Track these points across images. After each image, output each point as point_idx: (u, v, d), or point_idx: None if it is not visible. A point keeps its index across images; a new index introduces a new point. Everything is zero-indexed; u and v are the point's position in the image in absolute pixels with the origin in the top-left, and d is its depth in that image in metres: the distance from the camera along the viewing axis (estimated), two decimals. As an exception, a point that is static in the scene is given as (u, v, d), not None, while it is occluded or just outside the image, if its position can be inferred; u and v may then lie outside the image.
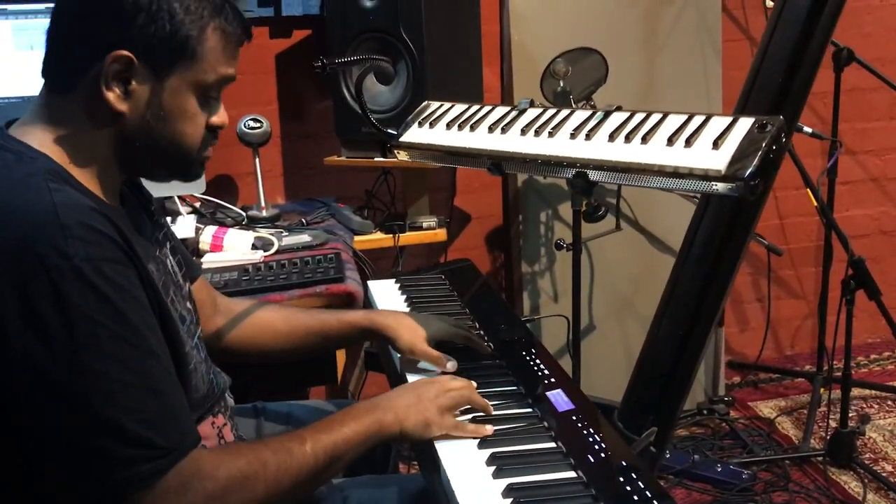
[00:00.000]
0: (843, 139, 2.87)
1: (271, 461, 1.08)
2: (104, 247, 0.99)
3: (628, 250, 2.81)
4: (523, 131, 1.35)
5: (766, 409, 2.97)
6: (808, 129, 2.58)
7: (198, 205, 2.41)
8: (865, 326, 3.24)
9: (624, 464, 1.11)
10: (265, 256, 2.06)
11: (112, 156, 1.10)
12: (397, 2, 2.25)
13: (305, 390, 2.26)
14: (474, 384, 1.31)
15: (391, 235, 2.43)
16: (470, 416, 1.26)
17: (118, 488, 0.97)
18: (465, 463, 1.15)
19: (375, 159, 2.44)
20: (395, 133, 1.54)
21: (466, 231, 2.98)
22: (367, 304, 1.84)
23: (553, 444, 1.19)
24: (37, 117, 1.09)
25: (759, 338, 3.19)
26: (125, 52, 1.04)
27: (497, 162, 1.37)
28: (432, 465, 1.18)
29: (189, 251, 2.04)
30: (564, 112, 1.35)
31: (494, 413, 1.27)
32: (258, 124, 2.37)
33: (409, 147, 1.52)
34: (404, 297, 1.78)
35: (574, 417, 1.24)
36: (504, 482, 1.08)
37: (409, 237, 2.46)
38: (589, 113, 1.32)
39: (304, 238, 2.16)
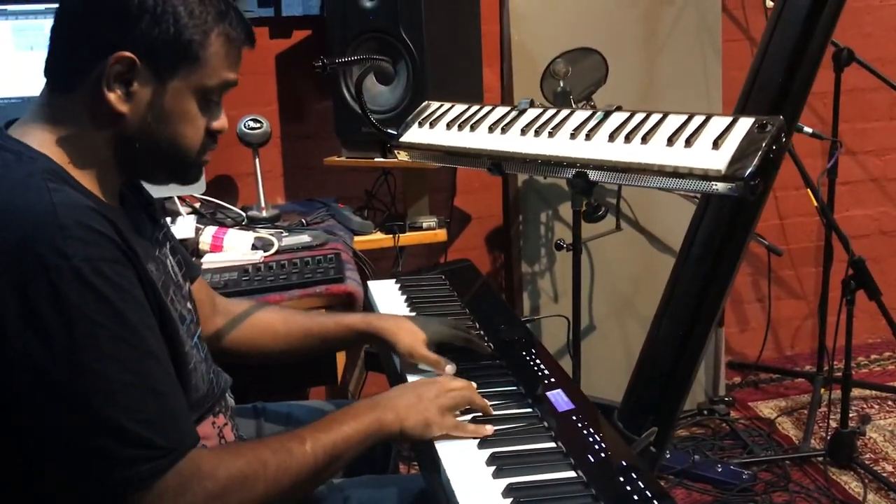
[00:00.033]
0: (844, 139, 2.87)
1: (271, 461, 1.08)
2: (103, 247, 0.99)
3: (628, 250, 2.81)
4: (523, 131, 1.35)
5: (766, 409, 2.97)
6: (808, 130, 2.58)
7: (198, 205, 2.41)
8: (866, 327, 3.24)
9: (624, 464, 1.11)
10: (265, 257, 2.06)
11: (112, 157, 1.10)
12: (397, 2, 2.25)
13: (305, 391, 2.26)
14: (474, 385, 1.31)
15: (391, 236, 2.43)
16: (470, 416, 1.26)
17: (118, 488, 0.97)
18: (465, 463, 1.15)
19: (375, 159, 2.44)
20: (395, 133, 1.54)
21: (466, 231, 2.98)
22: (367, 304, 1.84)
23: (553, 444, 1.18)
24: (37, 117, 1.09)
25: (759, 338, 3.19)
26: (128, 54, 1.04)
27: (497, 162, 1.37)
28: (432, 464, 1.18)
29: (189, 251, 2.05)
30: (564, 112, 1.35)
31: (494, 413, 1.27)
32: (258, 125, 2.37)
33: (409, 147, 1.52)
34: (404, 297, 1.78)
35: (574, 417, 1.24)
36: (504, 482, 1.08)
37: (409, 237, 2.46)
38: (589, 113, 1.32)
39: (304, 238, 2.16)
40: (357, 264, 2.14)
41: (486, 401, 1.28)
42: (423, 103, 1.57)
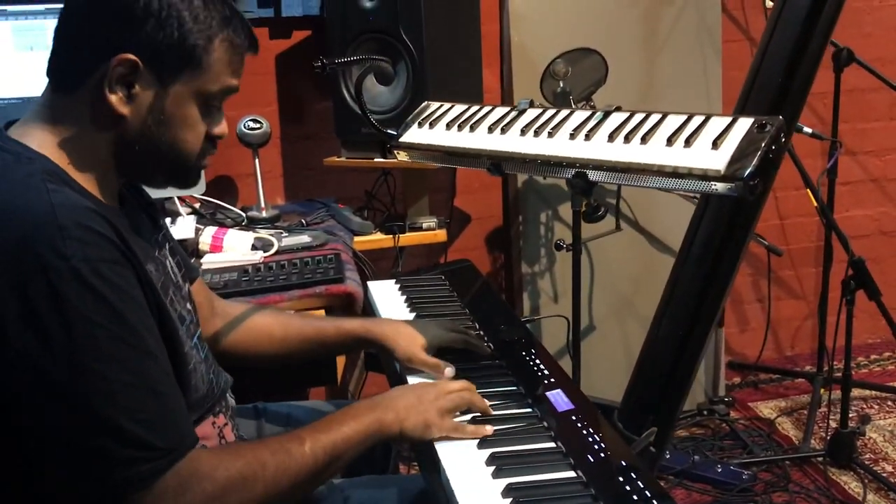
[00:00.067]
0: (843, 139, 2.87)
1: (270, 462, 1.08)
2: (102, 247, 0.99)
3: (628, 251, 2.81)
4: (523, 131, 1.35)
5: (766, 409, 2.97)
6: (808, 130, 2.57)
7: (197, 205, 2.41)
8: (865, 327, 3.24)
9: (623, 464, 1.11)
10: (265, 257, 2.06)
11: (111, 158, 1.11)
12: (397, 2, 2.26)
13: (305, 391, 2.26)
14: (474, 387, 1.31)
15: (391, 236, 2.43)
16: (469, 416, 1.26)
17: (117, 488, 0.97)
18: (464, 463, 1.15)
19: (375, 160, 2.44)
20: (395, 133, 1.54)
21: (466, 232, 2.98)
22: (367, 304, 1.84)
23: (553, 444, 1.19)
24: (38, 117, 1.09)
25: (759, 338, 3.19)
26: (131, 56, 1.04)
27: (497, 162, 1.37)
28: (432, 465, 1.18)
29: (189, 252, 2.05)
30: (564, 112, 1.35)
31: (494, 413, 1.27)
32: (258, 125, 2.38)
33: (409, 147, 1.52)
34: (404, 297, 1.78)
35: (574, 417, 1.24)
36: (504, 482, 1.08)
37: (408, 238, 2.46)
38: (588, 113, 1.32)
39: (304, 239, 2.16)
40: (357, 265, 2.14)
41: (485, 401, 1.29)
42: (423, 104, 1.57)
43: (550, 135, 1.31)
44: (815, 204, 2.59)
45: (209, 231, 2.11)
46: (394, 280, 1.89)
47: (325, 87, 2.59)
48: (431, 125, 1.50)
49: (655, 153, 1.17)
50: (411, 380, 1.41)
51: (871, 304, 2.42)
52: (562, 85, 2.25)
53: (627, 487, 1.05)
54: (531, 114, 1.39)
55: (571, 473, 1.11)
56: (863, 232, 3.29)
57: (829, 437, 2.58)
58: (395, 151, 1.55)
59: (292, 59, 2.70)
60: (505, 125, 1.39)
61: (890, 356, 3.33)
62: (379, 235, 2.44)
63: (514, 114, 1.41)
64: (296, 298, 1.82)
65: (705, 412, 2.88)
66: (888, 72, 2.71)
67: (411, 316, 1.68)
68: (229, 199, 2.60)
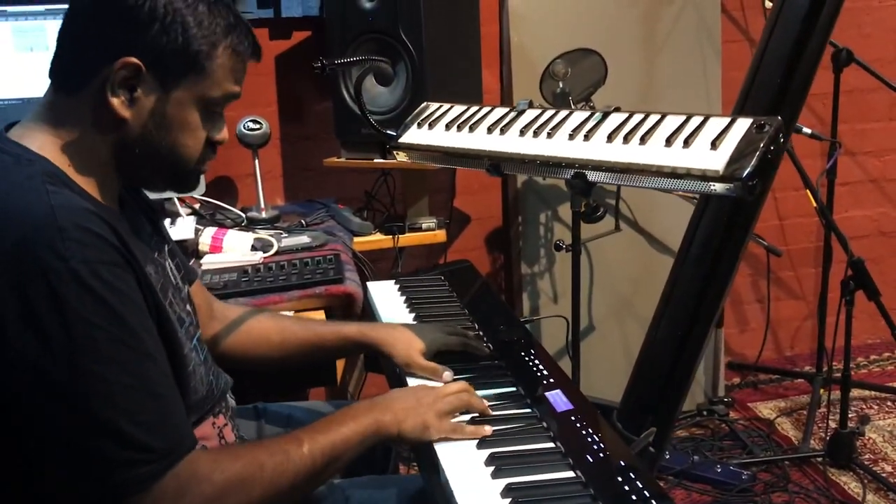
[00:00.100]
0: (843, 140, 2.87)
1: (268, 463, 1.09)
2: (101, 249, 0.99)
3: (628, 251, 2.82)
4: (522, 132, 1.35)
5: (765, 409, 2.97)
6: (807, 130, 2.57)
7: (197, 206, 2.42)
8: (865, 327, 3.24)
9: (623, 464, 1.11)
10: (265, 258, 2.06)
11: (111, 161, 1.11)
12: (397, 3, 2.26)
13: (305, 392, 2.26)
14: (472, 388, 1.31)
15: (391, 236, 2.43)
16: (468, 416, 1.26)
17: (116, 490, 0.97)
18: (464, 463, 1.15)
19: (375, 160, 2.44)
20: (395, 134, 1.54)
21: (466, 232, 2.98)
22: (367, 305, 1.84)
23: (552, 445, 1.19)
24: (39, 118, 1.10)
25: (758, 339, 3.19)
26: (134, 60, 1.04)
27: (496, 163, 1.37)
28: (431, 465, 1.18)
29: (189, 252, 2.06)
30: (563, 113, 1.35)
31: (493, 413, 1.27)
32: (258, 126, 2.38)
33: (409, 148, 1.52)
34: (403, 298, 1.78)
35: (573, 418, 1.24)
36: (503, 482, 1.08)
37: (408, 238, 2.46)
38: (587, 114, 1.32)
39: (304, 239, 2.16)
40: (356, 265, 2.14)
41: (484, 402, 1.29)
42: (423, 104, 1.58)
43: (549, 135, 1.31)
44: (815, 204, 2.59)
45: (209, 232, 2.11)
46: (393, 280, 1.89)
47: (324, 88, 2.59)
48: (431, 126, 1.50)
49: (654, 154, 1.17)
50: (410, 381, 1.41)
51: (871, 304, 2.42)
52: (561, 85, 2.25)
53: (626, 487, 1.05)
54: (530, 114, 1.39)
55: (570, 473, 1.11)
56: (862, 232, 3.29)
57: (828, 438, 2.58)
58: (395, 152, 1.55)
59: (292, 60, 2.71)
60: (504, 126, 1.39)
61: (889, 356, 3.33)
62: (378, 236, 2.44)
63: (513, 114, 1.41)
64: (295, 299, 1.82)
65: (705, 412, 2.89)
66: (887, 72, 2.72)
67: (411, 316, 1.68)
68: (229, 199, 2.60)
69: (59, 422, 0.96)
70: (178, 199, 2.31)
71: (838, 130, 2.80)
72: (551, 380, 1.36)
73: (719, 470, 2.48)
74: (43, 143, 1.07)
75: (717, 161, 1.10)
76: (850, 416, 2.58)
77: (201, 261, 2.04)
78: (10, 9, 2.17)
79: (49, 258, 0.95)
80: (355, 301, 1.85)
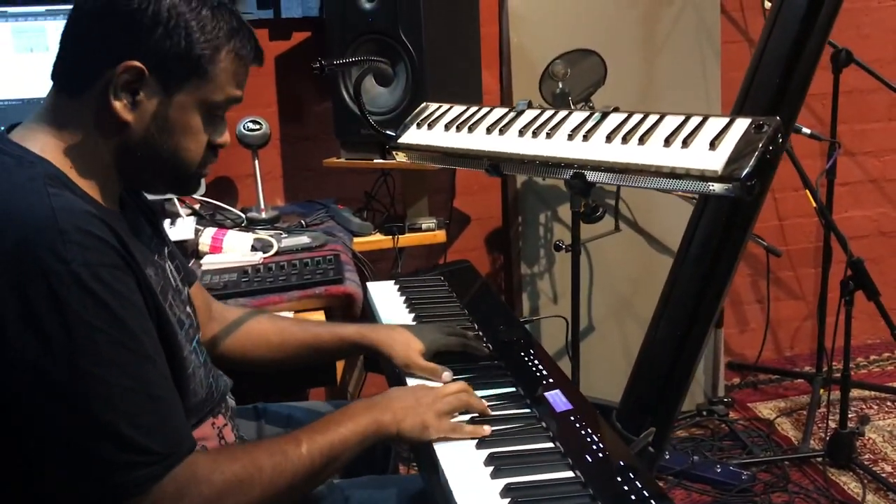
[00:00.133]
0: (842, 140, 2.87)
1: (267, 464, 1.09)
2: (102, 252, 0.99)
3: (627, 251, 2.82)
4: (521, 132, 1.35)
5: (765, 410, 2.97)
6: (806, 131, 2.58)
7: (197, 206, 2.42)
8: (865, 327, 3.24)
9: (622, 464, 1.11)
10: (264, 258, 2.06)
11: (113, 164, 1.11)
12: (396, 4, 2.26)
13: (305, 392, 2.26)
14: (471, 388, 1.31)
15: (390, 237, 2.43)
16: (468, 416, 1.26)
17: (116, 491, 0.97)
18: (463, 463, 1.15)
19: (375, 161, 2.44)
20: (394, 134, 1.54)
21: (466, 232, 2.99)
22: (367, 305, 1.84)
23: (551, 445, 1.19)
24: (41, 120, 1.10)
25: (758, 339, 3.19)
26: (137, 63, 1.05)
27: (495, 163, 1.37)
28: (431, 465, 1.18)
29: (188, 253, 2.06)
30: (562, 113, 1.36)
31: (493, 413, 1.27)
32: (257, 126, 2.38)
33: (408, 148, 1.52)
34: (403, 298, 1.78)
35: (572, 418, 1.24)
36: (502, 482, 1.09)
37: (408, 239, 2.46)
38: (587, 114, 1.32)
39: (304, 240, 2.16)
40: (356, 265, 2.15)
41: (483, 402, 1.29)
42: (422, 105, 1.58)
43: (549, 135, 1.32)
44: (814, 205, 2.59)
45: (209, 232, 2.11)
46: (393, 281, 1.89)
47: (324, 89, 2.60)
48: (430, 126, 1.51)
49: (653, 154, 1.18)
50: (410, 381, 1.41)
51: (871, 304, 2.42)
52: (561, 86, 2.25)
53: (626, 487, 1.06)
54: (529, 114, 1.39)
55: (570, 473, 1.11)
56: (862, 232, 3.29)
57: (828, 438, 2.58)
58: (394, 152, 1.55)
59: (292, 61, 2.71)
60: (503, 126, 1.39)
61: (889, 357, 3.33)
62: (378, 236, 2.44)
63: (512, 115, 1.41)
64: (295, 299, 1.82)
65: (705, 413, 2.89)
66: (887, 73, 2.72)
67: (410, 317, 1.69)
68: (229, 200, 2.60)
69: (59, 422, 0.96)
70: (178, 199, 2.31)
71: (838, 131, 2.80)
72: (551, 380, 1.36)
73: (719, 470, 2.48)
74: (44, 145, 1.07)
75: (715, 161, 1.10)
76: (849, 416, 2.58)
77: (201, 261, 2.04)
78: (10, 9, 2.18)
79: (50, 260, 0.95)
80: (355, 301, 1.86)
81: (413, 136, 1.52)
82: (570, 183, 1.29)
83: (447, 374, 1.40)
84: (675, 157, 1.14)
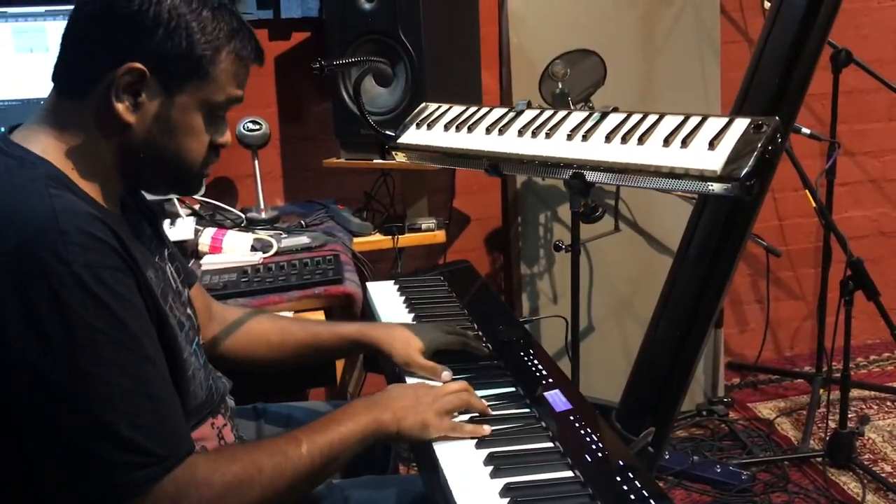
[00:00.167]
0: (842, 140, 2.87)
1: (267, 465, 1.09)
2: (103, 254, 0.99)
3: (627, 251, 2.82)
4: (520, 132, 1.35)
5: (765, 410, 2.97)
6: (806, 131, 2.58)
7: (197, 207, 2.42)
8: (865, 328, 3.24)
9: (621, 464, 1.11)
10: (264, 258, 2.06)
11: (114, 165, 1.11)
12: (396, 4, 2.26)
13: (304, 392, 2.26)
14: (472, 388, 1.31)
15: (390, 237, 2.43)
16: (468, 416, 1.26)
17: (115, 492, 0.97)
18: (462, 462, 1.15)
19: (374, 161, 2.44)
20: (394, 135, 1.54)
21: (465, 233, 2.99)
22: (366, 305, 1.84)
23: (550, 444, 1.19)
24: (42, 121, 1.10)
25: (758, 339, 3.19)
26: (139, 65, 1.05)
27: (494, 163, 1.37)
28: (430, 464, 1.18)
29: (188, 253, 2.06)
30: (562, 113, 1.36)
31: (492, 413, 1.27)
32: (257, 126, 2.38)
33: (407, 149, 1.52)
34: (403, 298, 1.79)
35: (571, 417, 1.24)
36: (502, 482, 1.09)
37: (408, 239, 2.46)
38: (586, 114, 1.32)
39: (303, 240, 2.17)
40: (356, 266, 2.15)
41: (483, 402, 1.29)
42: (422, 105, 1.58)
43: (548, 135, 1.32)
44: (814, 205, 2.59)
45: (208, 232, 2.12)
46: (393, 281, 1.89)
47: (324, 89, 2.60)
48: (430, 126, 1.51)
49: (652, 154, 1.18)
50: (409, 380, 1.41)
51: (870, 304, 2.42)
52: (560, 86, 2.25)
53: (625, 487, 1.06)
54: (529, 115, 1.39)
55: (569, 473, 1.11)
56: (861, 233, 3.29)
57: (828, 438, 2.58)
58: (394, 152, 1.55)
59: (292, 61, 2.71)
60: (503, 126, 1.39)
61: (889, 357, 3.34)
62: (378, 236, 2.44)
63: (511, 115, 1.41)
64: (295, 299, 1.82)
65: (704, 413, 2.89)
66: (886, 73, 2.72)
67: (410, 317, 1.69)
68: (229, 200, 2.60)
69: (59, 423, 0.96)
70: (178, 199, 2.31)
71: (837, 131, 2.80)
72: (550, 380, 1.36)
73: (719, 470, 2.48)
74: (46, 147, 1.07)
75: (714, 161, 1.10)
76: (849, 416, 2.58)
77: (201, 261, 2.04)
78: (10, 10, 2.18)
79: (51, 261, 0.95)
80: (355, 301, 1.86)
81: (412, 136, 1.52)
82: (569, 183, 1.29)
83: (447, 374, 1.40)
84: (675, 157, 1.15)
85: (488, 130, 1.40)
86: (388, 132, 1.55)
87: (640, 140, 1.20)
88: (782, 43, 1.28)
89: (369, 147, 2.43)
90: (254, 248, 2.11)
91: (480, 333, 1.57)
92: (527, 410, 1.29)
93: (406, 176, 2.56)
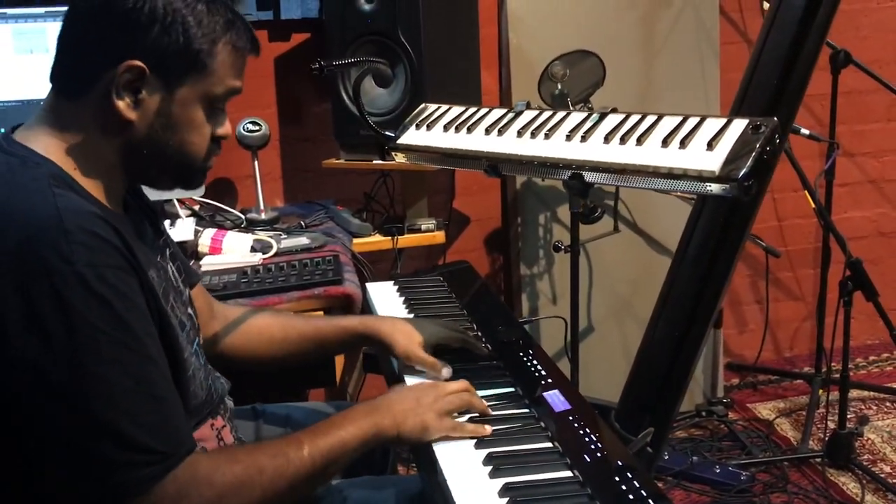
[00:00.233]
0: (841, 141, 2.88)
1: (268, 466, 1.09)
2: (107, 253, 0.99)
3: (626, 252, 2.82)
4: (520, 133, 1.35)
5: (764, 410, 2.97)
6: (805, 131, 2.58)
7: (197, 208, 2.42)
8: (864, 328, 3.25)
9: (620, 464, 1.12)
10: (264, 259, 2.06)
11: (118, 163, 1.11)
12: (396, 5, 2.26)
13: (304, 392, 2.27)
14: (473, 388, 1.31)
15: (390, 238, 2.43)
16: (467, 416, 1.26)
17: (116, 491, 0.98)
18: (462, 463, 1.15)
19: (374, 162, 2.44)
20: (393, 135, 1.54)
21: (465, 233, 2.99)
22: (366, 306, 1.85)
23: (549, 444, 1.19)
24: (43, 122, 1.10)
25: (757, 339, 3.19)
26: (138, 62, 1.05)
27: (494, 164, 1.37)
28: (430, 464, 1.19)
29: (188, 254, 2.06)
30: (561, 114, 1.36)
31: (492, 413, 1.28)
32: (257, 127, 2.38)
33: (407, 149, 1.52)
34: (402, 299, 1.79)
35: (571, 418, 1.24)
36: (501, 482, 1.09)
37: (407, 239, 2.46)
38: (585, 114, 1.32)
39: (303, 240, 2.17)
40: (356, 266, 2.15)
41: (484, 402, 1.29)
42: (421, 105, 1.58)
43: (547, 136, 1.32)
44: (813, 205, 2.60)
45: (208, 233, 2.12)
46: (392, 281, 1.90)
47: (323, 90, 2.60)
48: (429, 127, 1.51)
49: (651, 154, 1.18)
50: (409, 380, 1.41)
51: (869, 305, 2.43)
52: (560, 87, 2.26)
53: (624, 487, 1.06)
54: (528, 115, 1.39)
55: (568, 473, 1.12)
56: (861, 233, 3.30)
57: (827, 438, 2.58)
58: (394, 153, 1.55)
59: (291, 62, 2.71)
60: (502, 127, 1.39)
61: (888, 357, 3.34)
62: (378, 237, 2.44)
63: (510, 115, 1.41)
64: (294, 300, 1.82)
65: (704, 413, 2.89)
66: (885, 73, 2.72)
67: (409, 317, 1.69)
68: (228, 201, 2.60)
69: (60, 422, 0.96)
70: (178, 200, 2.32)
71: (836, 131, 2.80)
72: (549, 380, 1.36)
73: (718, 470, 2.48)
74: (48, 146, 1.08)
75: (713, 162, 1.10)
76: (848, 416, 2.58)
77: (201, 262, 2.04)
78: (10, 11, 2.18)
79: (54, 260, 0.95)
80: (354, 302, 1.86)
81: (412, 136, 1.52)
82: (568, 183, 1.29)
83: (446, 371, 1.40)
84: (673, 158, 1.15)
85: (487, 131, 1.40)
86: (387, 133, 1.55)
87: (639, 140, 1.20)
88: (781, 44, 1.28)
89: (369, 148, 2.43)
90: (253, 249, 2.12)
91: (480, 334, 1.58)
92: (526, 411, 1.29)
93: (406, 177, 2.57)
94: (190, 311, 1.27)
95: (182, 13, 1.07)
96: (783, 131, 1.14)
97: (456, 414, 1.26)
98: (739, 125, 1.13)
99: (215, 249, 2.09)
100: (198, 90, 1.10)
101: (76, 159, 1.08)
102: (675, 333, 1.37)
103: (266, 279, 1.87)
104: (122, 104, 1.07)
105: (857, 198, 3.31)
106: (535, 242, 2.85)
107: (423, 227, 2.47)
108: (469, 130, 1.43)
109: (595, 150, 1.25)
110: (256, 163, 2.42)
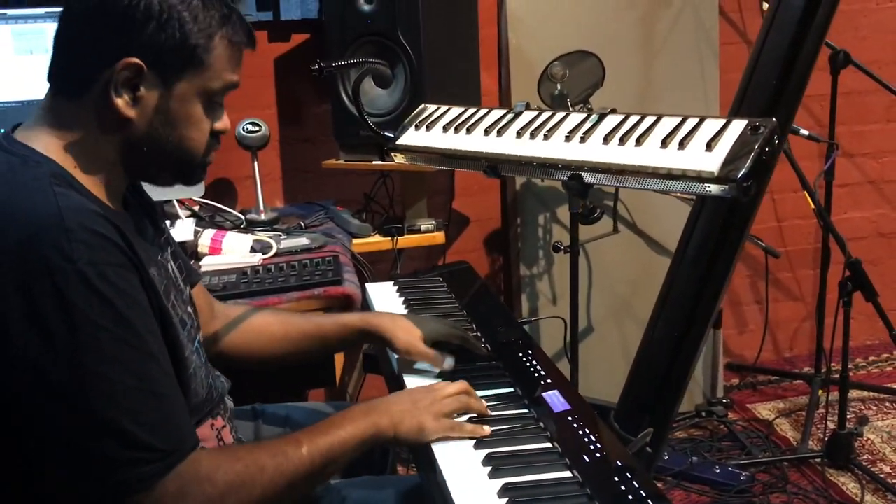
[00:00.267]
0: (840, 142, 2.88)
1: (268, 464, 1.09)
2: (108, 251, 1.00)
3: (626, 253, 2.82)
4: (519, 134, 1.35)
5: (764, 410, 2.97)
6: (805, 132, 2.58)
7: (197, 208, 2.42)
8: (864, 328, 3.25)
9: (619, 464, 1.12)
10: (264, 259, 2.06)
11: (118, 161, 1.12)
12: (395, 6, 2.26)
13: (304, 393, 2.27)
14: (472, 389, 1.31)
15: (389, 238, 2.44)
16: (466, 416, 1.26)
17: (118, 489, 0.98)
18: (461, 463, 1.15)
19: (374, 162, 2.44)
20: (393, 136, 1.54)
21: (465, 234, 2.99)
22: (366, 306, 1.85)
23: (549, 445, 1.19)
24: (42, 121, 1.10)
25: (757, 340, 3.19)
26: (135, 60, 1.05)
27: (493, 164, 1.37)
28: (429, 465, 1.19)
29: (188, 254, 2.06)
30: (560, 114, 1.36)
31: (491, 414, 1.28)
32: (257, 128, 2.38)
33: (407, 150, 1.53)
34: (402, 299, 1.79)
35: (570, 418, 1.24)
36: (500, 482, 1.09)
37: (407, 240, 2.46)
38: (584, 115, 1.32)
39: (303, 241, 2.17)
40: (355, 267, 2.15)
41: (483, 403, 1.29)
42: (421, 106, 1.58)
43: (546, 137, 1.32)
44: (813, 206, 2.60)
45: (208, 233, 2.12)
46: (392, 282, 1.90)
47: (323, 91, 2.60)
48: (429, 128, 1.51)
49: (650, 155, 1.18)
50: (409, 380, 1.41)
51: (869, 305, 2.43)
52: (559, 88, 2.26)
53: (623, 488, 1.06)
54: (527, 116, 1.39)
55: (567, 473, 1.12)
56: (860, 234, 3.30)
57: (826, 439, 2.58)
58: (393, 154, 1.55)
59: (291, 63, 2.71)
60: (501, 127, 1.39)
61: (888, 357, 3.34)
62: (377, 238, 2.45)
63: (510, 116, 1.41)
64: (294, 300, 1.83)
65: (703, 413, 2.89)
66: (885, 74, 2.72)
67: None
68: (228, 201, 2.60)
69: (60, 421, 0.97)
70: (178, 201, 2.32)
71: (836, 132, 2.80)
72: (549, 380, 1.36)
73: (718, 471, 2.48)
74: (48, 145, 1.08)
75: (712, 162, 1.10)
76: (848, 416, 2.58)
77: (200, 262, 2.04)
78: (9, 11, 2.18)
79: (55, 258, 0.95)
80: (354, 302, 1.86)
81: (412, 137, 1.52)
82: (567, 184, 1.29)
83: (449, 361, 1.40)
84: (672, 159, 1.15)
85: (487, 132, 1.40)
86: (387, 133, 1.55)
87: (638, 141, 1.20)
88: (780, 44, 1.28)
89: (368, 148, 2.43)
90: (253, 250, 2.12)
91: (480, 334, 1.58)
92: (525, 411, 1.29)
93: (405, 177, 2.57)
94: (190, 309, 1.28)
95: (177, 9, 1.07)
96: (782, 132, 1.14)
97: (455, 415, 1.26)
98: (738, 126, 1.13)
99: (215, 250, 2.09)
100: (195, 85, 1.11)
101: (76, 158, 1.08)
102: (675, 334, 1.37)
103: (266, 280, 1.88)
104: (120, 102, 1.07)
105: (857, 198, 3.31)
106: (535, 243, 2.85)
107: (423, 227, 2.47)
108: (468, 131, 1.44)
109: (594, 150, 1.25)
110: (256, 163, 2.42)
